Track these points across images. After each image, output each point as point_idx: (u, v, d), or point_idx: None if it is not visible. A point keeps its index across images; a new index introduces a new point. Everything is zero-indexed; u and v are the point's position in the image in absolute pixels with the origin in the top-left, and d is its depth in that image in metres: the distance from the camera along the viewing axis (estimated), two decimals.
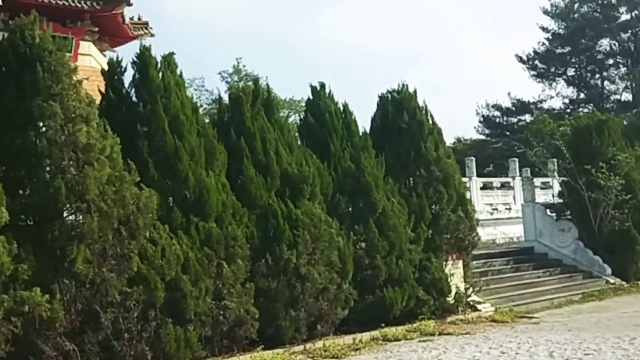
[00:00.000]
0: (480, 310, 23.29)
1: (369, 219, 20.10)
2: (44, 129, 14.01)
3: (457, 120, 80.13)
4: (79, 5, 28.57)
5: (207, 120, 18.81)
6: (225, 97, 19.73)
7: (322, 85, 21.40)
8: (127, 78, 16.97)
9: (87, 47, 29.99)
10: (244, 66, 57.02)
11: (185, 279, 15.49)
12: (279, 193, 18.32)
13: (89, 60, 29.62)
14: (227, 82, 55.76)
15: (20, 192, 13.95)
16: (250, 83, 21.73)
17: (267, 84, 19.61)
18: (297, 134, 20.92)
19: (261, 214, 17.78)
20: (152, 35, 33.56)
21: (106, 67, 17.20)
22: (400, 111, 22.54)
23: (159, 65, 16.92)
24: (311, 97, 21.50)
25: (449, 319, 21.83)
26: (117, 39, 33.09)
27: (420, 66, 75.96)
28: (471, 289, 23.51)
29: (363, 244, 20.05)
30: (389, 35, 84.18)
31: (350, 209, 20.16)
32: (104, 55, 31.53)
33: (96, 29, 30.47)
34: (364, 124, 22.00)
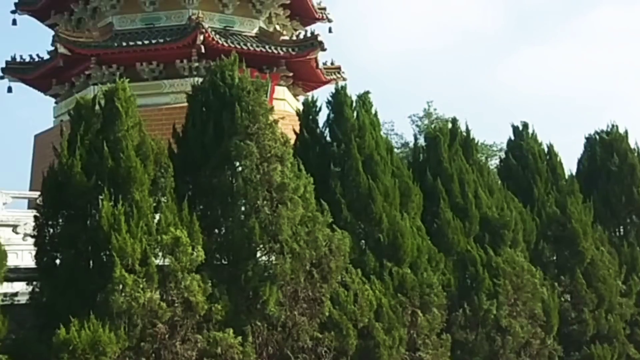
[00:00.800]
0: None
1: (575, 269, 18.66)
2: (240, 168, 13.94)
3: None
4: (276, 52, 29.13)
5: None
6: (421, 138, 19.15)
7: (525, 125, 20.36)
8: (321, 119, 16.87)
9: (281, 91, 30.48)
10: (434, 109, 56.22)
11: (378, 326, 14.80)
12: (478, 238, 17.37)
13: (283, 105, 30.06)
14: (417, 125, 55.13)
15: (216, 231, 13.89)
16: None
17: (466, 124, 18.82)
18: (496, 177, 19.91)
19: (458, 260, 16.90)
20: (344, 79, 33.72)
21: (297, 115, 17.18)
22: (609, 153, 21.01)
23: (353, 105, 16.62)
24: (512, 138, 20.49)
25: None
26: (310, 83, 33.50)
27: (616, 108, 72.23)
28: None
29: (569, 296, 18.63)
30: (585, 76, 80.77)
31: (554, 257, 18.85)
32: (297, 100, 31.96)
33: (291, 74, 30.96)
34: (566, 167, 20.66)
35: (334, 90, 16.80)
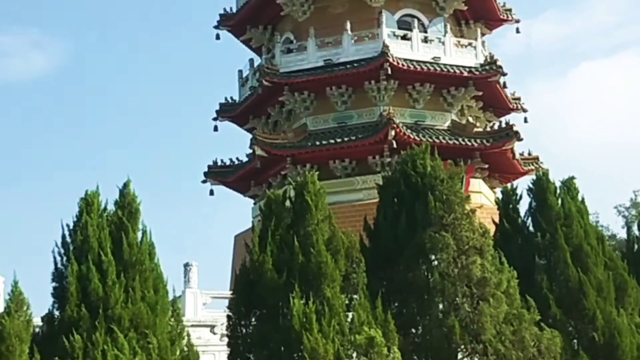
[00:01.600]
0: None
1: None
2: (435, 261, 13.21)
3: None
4: (470, 144, 28.36)
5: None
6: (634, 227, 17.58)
7: None
8: (522, 208, 15.86)
9: (477, 184, 29.47)
10: None
11: None
12: None
13: (480, 197, 28.99)
14: (624, 216, 51.77)
15: (412, 330, 13.11)
16: None
17: None
18: None
19: None
20: (543, 170, 32.27)
21: (495, 205, 16.27)
22: None
23: (557, 192, 15.50)
24: None
25: None
26: (507, 175, 32.25)
27: None
28: None
29: None
30: None
31: None
32: (494, 193, 30.83)
33: (486, 166, 29.95)
34: None
35: (535, 177, 15.78)
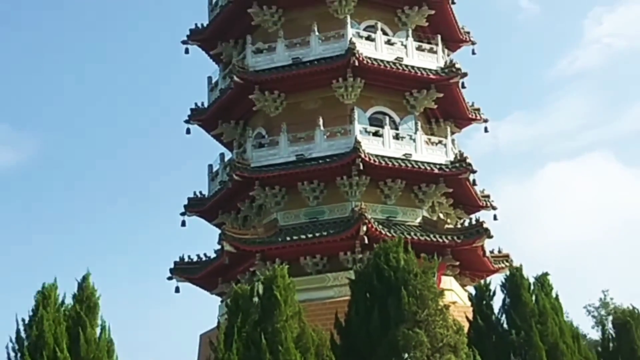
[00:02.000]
0: None
1: None
2: None
3: None
4: (441, 240, 28.14)
5: None
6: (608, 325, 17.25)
7: None
8: (496, 305, 15.53)
9: (448, 281, 29.10)
10: (611, 299, 52.50)
11: None
12: None
13: (451, 295, 28.55)
14: (593, 316, 51.45)
15: None
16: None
17: None
18: None
19: None
20: (514, 267, 32.03)
21: (467, 303, 15.92)
22: None
23: (531, 288, 15.22)
24: None
25: None
26: (478, 272, 31.92)
27: None
28: None
29: None
30: None
31: None
32: (465, 291, 30.48)
33: (457, 263, 29.64)
34: None
35: (508, 273, 15.51)
